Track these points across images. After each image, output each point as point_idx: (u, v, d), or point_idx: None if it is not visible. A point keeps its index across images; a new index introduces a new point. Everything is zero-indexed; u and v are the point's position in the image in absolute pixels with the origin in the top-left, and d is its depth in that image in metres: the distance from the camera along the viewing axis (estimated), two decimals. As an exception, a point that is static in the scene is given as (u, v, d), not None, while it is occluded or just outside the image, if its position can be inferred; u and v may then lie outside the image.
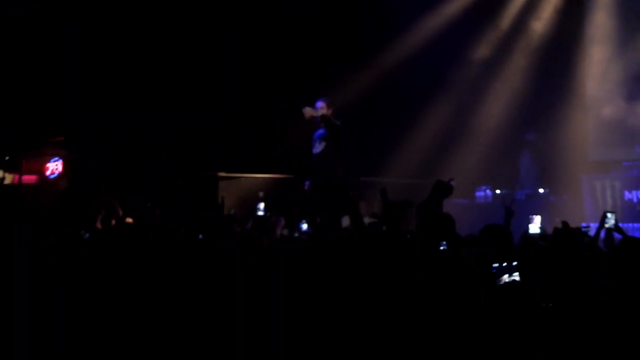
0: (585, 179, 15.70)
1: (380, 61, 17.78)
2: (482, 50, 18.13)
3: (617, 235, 8.04)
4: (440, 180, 8.20)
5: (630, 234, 9.30)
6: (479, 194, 16.37)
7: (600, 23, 17.45)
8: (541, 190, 15.83)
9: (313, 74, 16.82)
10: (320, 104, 13.18)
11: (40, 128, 15.66)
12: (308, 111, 13.08)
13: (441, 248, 6.33)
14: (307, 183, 13.44)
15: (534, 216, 10.58)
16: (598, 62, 17.57)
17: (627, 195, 15.13)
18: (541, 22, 17.82)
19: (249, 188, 15.61)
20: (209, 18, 16.61)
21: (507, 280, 4.90)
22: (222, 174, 15.84)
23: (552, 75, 17.62)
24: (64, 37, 15.43)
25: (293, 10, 17.33)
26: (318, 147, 13.28)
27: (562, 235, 6.00)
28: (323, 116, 12.99)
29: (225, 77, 16.61)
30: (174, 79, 16.43)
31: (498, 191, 16.29)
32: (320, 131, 13.26)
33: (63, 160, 15.95)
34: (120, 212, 10.35)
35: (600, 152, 17.42)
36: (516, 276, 4.97)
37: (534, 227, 10.68)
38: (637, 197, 14.89)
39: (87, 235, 8.65)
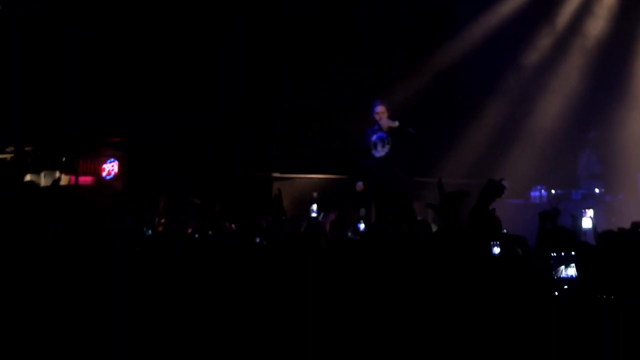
0: (641, 178, 15.55)
1: (434, 61, 17.74)
2: (538, 49, 18.01)
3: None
4: (491, 179, 8.14)
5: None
6: (534, 193, 16.22)
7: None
8: (597, 190, 15.67)
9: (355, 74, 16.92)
10: (379, 108, 13.42)
11: (97, 129, 15.82)
12: (388, 122, 13.35)
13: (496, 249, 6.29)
14: (359, 184, 13.55)
15: (586, 210, 10.47)
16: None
17: (685, 194, 14.98)
18: (597, 22, 17.65)
19: (303, 189, 15.64)
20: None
21: (564, 274, 4.84)
22: (276, 174, 15.88)
23: (608, 74, 17.47)
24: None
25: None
26: (381, 151, 13.45)
27: (610, 237, 5.90)
28: (401, 127, 13.31)
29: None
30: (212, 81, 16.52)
31: (553, 191, 16.15)
32: (381, 134, 13.44)
33: (119, 161, 16.07)
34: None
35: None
36: (573, 269, 4.92)
37: (587, 221, 10.57)
38: (695, 196, 14.72)
39: (150, 232, 8.71)
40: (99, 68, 15.99)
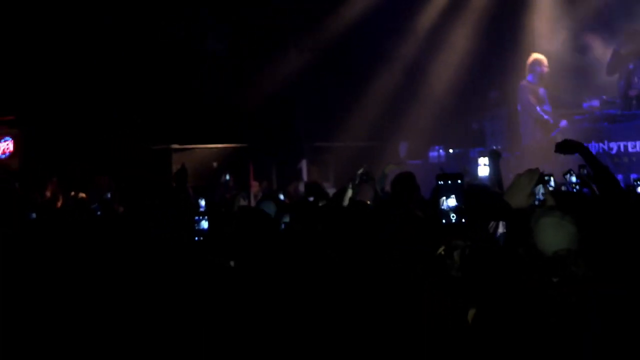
0: (538, 134, 15.79)
1: (331, 26, 17.71)
2: (433, 10, 18.11)
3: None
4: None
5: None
6: (433, 154, 16.40)
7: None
8: (494, 147, 15.91)
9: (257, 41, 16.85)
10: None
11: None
12: None
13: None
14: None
15: (480, 158, 10.49)
16: (547, 17, 17.64)
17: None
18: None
19: (203, 159, 15.54)
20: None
21: (445, 205, 4.82)
22: (175, 146, 15.73)
23: (504, 32, 17.66)
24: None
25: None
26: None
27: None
28: None
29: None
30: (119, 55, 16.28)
31: (451, 150, 16.36)
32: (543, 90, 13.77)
33: (14, 140, 15.80)
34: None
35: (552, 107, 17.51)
36: (453, 199, 4.89)
37: (483, 169, 10.63)
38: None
39: (34, 215, 8.44)
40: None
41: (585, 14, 16.89)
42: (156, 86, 16.36)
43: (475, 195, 6.10)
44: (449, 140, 16.66)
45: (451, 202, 4.69)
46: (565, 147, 6.08)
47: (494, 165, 9.03)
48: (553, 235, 4.19)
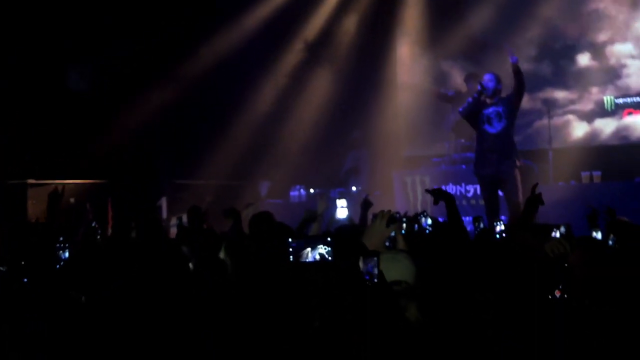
0: (396, 175, 16.04)
1: (193, 64, 17.64)
2: (295, 50, 18.26)
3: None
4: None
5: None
6: (293, 193, 16.52)
7: (410, 18, 17.85)
8: (354, 188, 16.09)
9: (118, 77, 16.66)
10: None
11: None
12: None
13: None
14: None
15: (339, 200, 10.50)
16: (407, 58, 18.02)
17: (436, 190, 15.47)
18: (347, 27, 18.11)
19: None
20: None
21: (310, 257, 4.80)
22: (31, 181, 15.35)
23: (366, 72, 17.92)
24: None
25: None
26: (497, 126, 11.84)
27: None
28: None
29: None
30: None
31: (312, 190, 16.48)
32: (496, 108, 11.84)
33: None
34: None
35: (411, 149, 17.83)
36: (320, 250, 4.88)
37: (342, 212, 10.67)
38: (446, 192, 15.22)
39: None
40: None
41: (446, 46, 17.33)
42: (12, 120, 15.96)
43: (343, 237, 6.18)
44: (311, 180, 16.79)
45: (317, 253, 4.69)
46: (437, 194, 6.61)
47: (363, 212, 9.14)
48: (387, 268, 4.36)
